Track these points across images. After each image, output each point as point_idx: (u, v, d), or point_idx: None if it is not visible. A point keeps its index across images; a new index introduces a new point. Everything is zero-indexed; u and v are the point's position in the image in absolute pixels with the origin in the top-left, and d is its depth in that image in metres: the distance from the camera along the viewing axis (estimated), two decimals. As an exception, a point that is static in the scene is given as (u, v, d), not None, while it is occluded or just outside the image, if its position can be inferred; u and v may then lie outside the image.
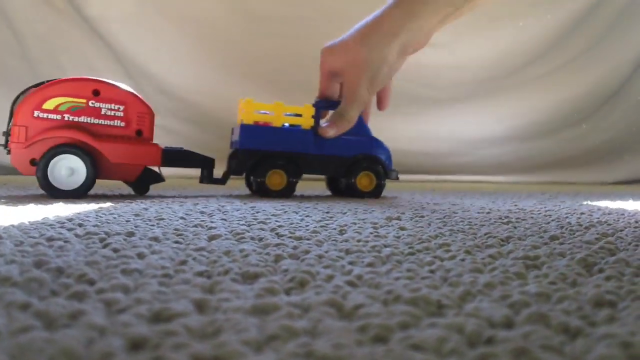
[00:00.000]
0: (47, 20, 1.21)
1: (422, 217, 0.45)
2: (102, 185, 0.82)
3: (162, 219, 0.39)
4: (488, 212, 0.51)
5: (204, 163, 0.65)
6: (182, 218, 0.40)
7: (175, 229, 0.34)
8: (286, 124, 0.66)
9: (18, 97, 0.58)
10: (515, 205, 0.61)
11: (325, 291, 0.20)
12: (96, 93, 0.57)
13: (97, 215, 0.40)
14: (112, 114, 0.57)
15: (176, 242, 0.30)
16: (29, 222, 0.35)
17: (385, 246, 0.30)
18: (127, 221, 0.37)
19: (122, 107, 0.58)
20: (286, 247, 0.29)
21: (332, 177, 0.72)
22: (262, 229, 0.35)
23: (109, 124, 0.57)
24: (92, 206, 0.47)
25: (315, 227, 0.37)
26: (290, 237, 0.32)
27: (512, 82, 1.49)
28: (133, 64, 1.26)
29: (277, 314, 0.17)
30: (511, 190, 1.06)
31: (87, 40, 1.24)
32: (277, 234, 0.34)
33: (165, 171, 0.64)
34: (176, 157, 0.62)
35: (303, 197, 0.66)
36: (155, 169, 0.62)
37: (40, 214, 0.40)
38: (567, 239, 0.33)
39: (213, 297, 0.19)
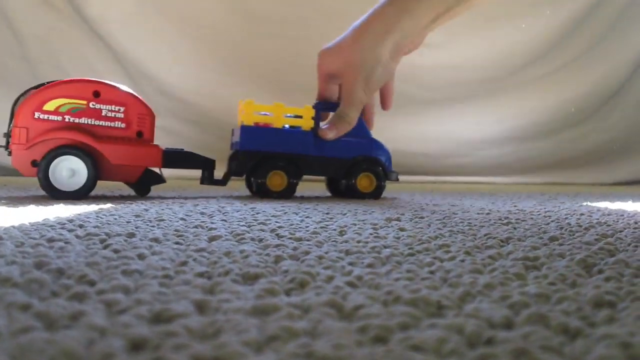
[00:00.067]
0: (46, 20, 1.21)
1: (422, 218, 0.45)
2: (102, 186, 0.83)
3: (163, 220, 0.39)
4: (488, 213, 0.51)
5: (205, 164, 0.65)
6: (182, 219, 0.40)
7: (176, 230, 0.34)
8: (286, 125, 0.66)
9: (18, 98, 0.58)
10: (515, 206, 0.61)
11: (326, 292, 0.20)
12: (97, 94, 0.57)
13: (97, 216, 0.40)
14: (113, 115, 0.57)
15: (177, 243, 0.30)
16: (29, 223, 0.35)
17: (385, 247, 0.30)
18: (127, 222, 0.37)
19: (122, 109, 0.58)
20: (286, 248, 0.29)
21: (332, 179, 0.73)
22: (263, 230, 0.35)
23: (109, 125, 0.57)
24: (92, 207, 0.47)
25: (315, 228, 0.37)
26: (290, 238, 0.32)
27: (512, 82, 1.49)
28: (133, 64, 1.26)
29: (278, 314, 0.17)
30: (511, 191, 1.06)
31: (87, 41, 1.24)
32: (277, 235, 0.34)
33: (165, 172, 0.64)
34: (177, 158, 0.62)
35: (303, 198, 0.66)
36: (156, 170, 0.62)
37: (41, 215, 0.40)
38: (566, 240, 0.33)
39: (213, 297, 0.19)
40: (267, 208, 0.50)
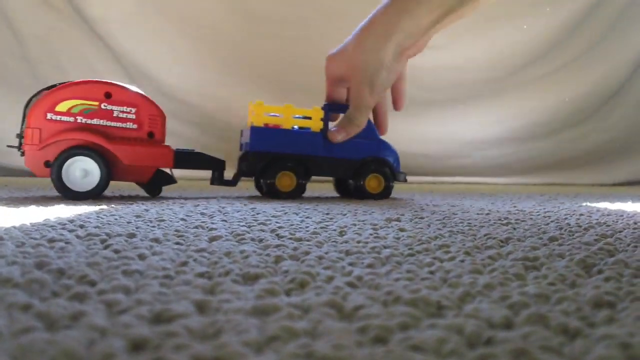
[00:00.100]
0: (46, 20, 1.21)
1: (422, 218, 0.45)
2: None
3: (163, 220, 0.39)
4: (487, 214, 0.51)
5: (215, 165, 0.65)
6: (182, 219, 0.40)
7: (176, 230, 0.34)
8: (295, 127, 0.67)
9: (30, 99, 0.59)
10: (515, 207, 0.61)
11: (326, 292, 0.20)
12: (108, 95, 0.58)
13: (98, 217, 0.40)
14: (124, 116, 0.58)
15: (177, 243, 0.30)
16: (30, 223, 0.35)
17: (385, 247, 0.30)
18: (128, 222, 0.37)
19: (134, 110, 0.58)
20: (286, 248, 0.29)
21: (340, 179, 0.73)
22: (263, 230, 0.35)
23: (121, 126, 0.58)
24: (93, 207, 0.47)
25: (316, 228, 0.37)
26: (290, 239, 0.32)
27: (512, 82, 1.48)
28: (133, 64, 1.26)
29: (278, 315, 0.17)
30: (510, 191, 1.07)
31: (87, 41, 1.24)
32: (277, 235, 0.34)
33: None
34: (188, 158, 0.63)
35: (303, 199, 0.66)
36: (167, 170, 0.63)
37: (42, 216, 0.40)
38: (566, 240, 0.33)
39: (214, 298, 0.19)
40: (267, 208, 0.50)
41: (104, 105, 0.57)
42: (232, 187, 0.67)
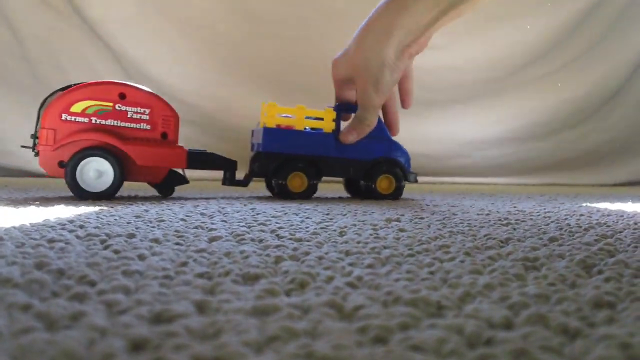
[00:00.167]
0: (46, 20, 1.21)
1: (422, 218, 0.45)
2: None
3: (163, 220, 0.39)
4: (487, 214, 0.51)
5: (227, 165, 0.66)
6: (182, 220, 0.40)
7: (176, 231, 0.34)
8: (307, 128, 0.67)
9: (45, 100, 0.59)
10: (515, 207, 0.61)
11: (326, 292, 0.20)
12: (122, 96, 0.58)
13: (97, 217, 0.40)
14: (138, 117, 0.58)
15: (177, 243, 0.30)
16: (30, 223, 0.35)
17: (385, 248, 0.30)
18: (128, 223, 0.37)
19: (147, 111, 0.59)
20: (286, 248, 0.29)
21: (351, 180, 0.74)
22: (263, 231, 0.35)
23: (135, 127, 0.58)
24: (92, 208, 0.47)
25: (315, 228, 0.37)
26: (290, 239, 0.32)
27: (512, 83, 1.48)
28: (133, 65, 1.26)
29: (278, 315, 0.17)
30: (510, 192, 1.07)
31: (87, 41, 1.24)
32: (277, 235, 0.34)
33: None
34: (200, 159, 0.63)
35: (303, 199, 0.66)
36: (179, 170, 0.63)
37: (41, 216, 0.40)
38: (566, 241, 0.33)
39: (214, 298, 0.19)
40: (267, 209, 0.50)
41: (118, 106, 0.57)
42: (244, 187, 0.67)
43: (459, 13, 0.59)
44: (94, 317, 0.16)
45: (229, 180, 0.66)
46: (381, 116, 0.68)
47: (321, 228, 0.37)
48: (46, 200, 0.54)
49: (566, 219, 0.47)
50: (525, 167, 1.48)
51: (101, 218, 0.39)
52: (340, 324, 0.16)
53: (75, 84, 0.58)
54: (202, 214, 0.45)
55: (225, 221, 0.40)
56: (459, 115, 1.41)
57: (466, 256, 0.28)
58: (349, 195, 0.74)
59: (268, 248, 0.29)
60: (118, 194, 0.66)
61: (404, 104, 0.71)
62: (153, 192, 0.65)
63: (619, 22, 1.53)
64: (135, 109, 0.58)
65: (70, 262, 0.23)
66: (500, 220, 0.45)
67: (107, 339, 0.14)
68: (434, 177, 1.34)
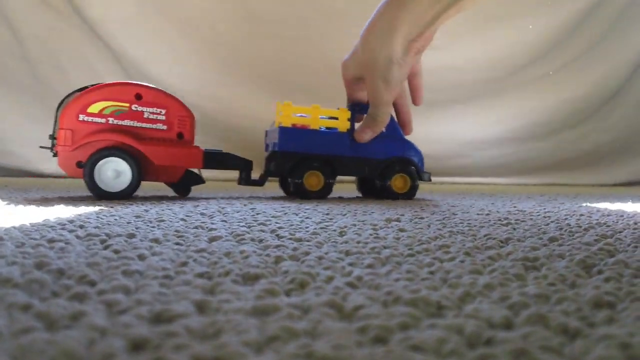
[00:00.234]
0: (46, 20, 1.21)
1: (422, 218, 0.45)
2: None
3: (163, 220, 0.39)
4: (487, 214, 0.51)
5: (243, 165, 0.66)
6: (182, 220, 0.40)
7: (176, 231, 0.34)
8: (322, 127, 0.67)
9: (62, 101, 0.60)
10: (515, 207, 0.61)
11: (325, 292, 0.20)
12: (139, 97, 0.59)
13: (97, 217, 0.40)
14: (154, 117, 0.59)
15: (177, 243, 0.30)
16: (30, 223, 0.35)
17: (385, 248, 0.30)
18: (127, 223, 0.37)
19: (163, 111, 0.59)
20: (286, 248, 0.29)
21: (363, 179, 0.74)
22: (263, 231, 0.35)
23: (151, 127, 0.59)
24: (92, 208, 0.47)
25: (315, 228, 0.37)
26: (290, 239, 0.32)
27: (512, 82, 1.48)
28: (133, 65, 1.26)
29: (278, 315, 0.17)
30: (510, 191, 1.07)
31: (87, 41, 1.24)
32: (277, 235, 0.34)
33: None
34: (216, 159, 0.64)
35: (303, 199, 0.66)
36: (195, 170, 0.64)
37: (41, 216, 0.40)
38: (566, 241, 0.33)
39: (214, 298, 0.19)
40: (267, 209, 0.50)
41: (135, 107, 0.58)
42: (260, 186, 0.68)
43: (461, 8, 0.60)
44: (94, 317, 0.16)
45: (245, 180, 0.66)
46: (394, 115, 0.69)
47: (321, 228, 0.37)
48: (46, 200, 0.54)
49: (566, 219, 0.47)
50: (525, 167, 1.48)
51: (101, 218, 0.39)
52: (340, 324, 0.16)
53: (92, 85, 0.58)
54: (202, 214, 0.45)
55: (225, 221, 0.40)
56: (459, 115, 1.41)
57: (466, 256, 0.28)
58: (359, 195, 0.75)
59: (268, 248, 0.29)
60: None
61: (415, 101, 0.72)
62: (153, 192, 0.65)
63: (619, 22, 1.53)
64: (152, 109, 0.59)
65: (70, 262, 0.23)
66: (500, 220, 0.45)
67: (107, 339, 0.14)
68: (434, 177, 1.34)
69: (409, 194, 0.69)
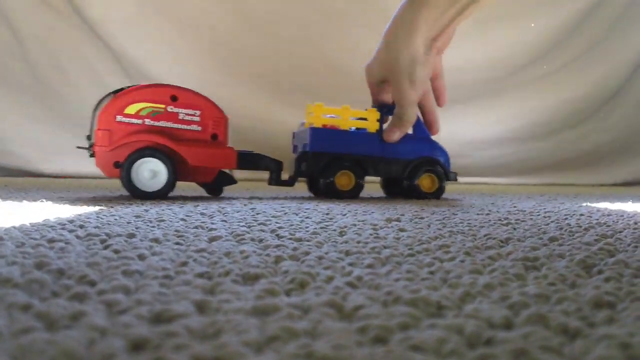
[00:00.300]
0: (46, 20, 1.21)
1: (422, 218, 0.45)
2: (103, 186, 0.83)
3: (163, 220, 0.39)
4: (487, 214, 0.51)
5: (274, 165, 0.66)
6: (182, 219, 0.40)
7: (176, 231, 0.34)
8: (352, 128, 0.68)
9: (99, 102, 0.60)
10: (515, 207, 0.61)
11: (326, 292, 0.20)
12: (174, 98, 0.59)
13: (97, 217, 0.40)
14: (189, 118, 0.60)
15: (177, 243, 0.30)
16: (30, 223, 0.35)
17: (385, 247, 0.30)
18: (128, 222, 0.37)
19: (198, 112, 0.60)
20: (286, 248, 0.29)
21: (388, 179, 0.75)
22: (263, 231, 0.35)
23: (186, 128, 0.60)
24: (93, 208, 0.47)
25: (315, 228, 0.37)
26: (290, 239, 0.32)
27: (512, 82, 1.48)
28: (133, 65, 1.26)
29: (278, 315, 0.17)
30: (510, 191, 1.07)
31: (87, 41, 1.24)
32: (277, 235, 0.34)
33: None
34: (249, 159, 0.65)
35: (303, 199, 0.66)
36: (227, 171, 0.64)
37: (41, 216, 0.40)
38: (566, 241, 0.33)
39: (214, 298, 0.19)
40: (266, 208, 0.50)
41: (170, 108, 0.59)
42: (290, 187, 0.69)
43: (480, 6, 0.60)
44: (94, 317, 0.16)
45: (275, 180, 0.67)
46: (420, 116, 0.70)
47: (321, 228, 0.37)
48: (46, 200, 0.54)
49: (566, 218, 0.47)
50: (525, 167, 1.48)
51: (101, 218, 0.39)
52: (340, 324, 0.16)
53: (128, 86, 0.59)
54: (202, 213, 0.44)
55: (225, 221, 0.40)
56: (459, 115, 1.41)
57: (466, 256, 0.28)
58: (386, 196, 0.76)
59: (268, 248, 0.29)
60: (119, 194, 0.66)
61: (439, 101, 0.73)
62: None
63: (619, 22, 1.53)
64: (187, 110, 0.59)
65: (70, 262, 0.23)
66: (500, 220, 0.45)
67: (107, 339, 0.14)
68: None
69: (437, 194, 0.70)
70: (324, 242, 0.31)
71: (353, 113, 0.68)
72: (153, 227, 0.36)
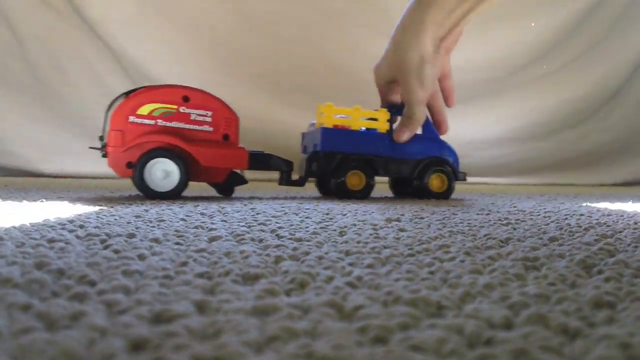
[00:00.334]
0: (46, 20, 1.21)
1: (422, 218, 0.45)
2: (103, 186, 0.83)
3: (163, 220, 0.39)
4: (487, 214, 0.51)
5: (285, 165, 0.67)
6: (182, 219, 0.40)
7: (176, 231, 0.34)
8: (362, 128, 0.69)
9: (112, 103, 0.61)
10: (515, 207, 0.61)
11: (326, 292, 0.20)
12: (186, 99, 0.60)
13: (97, 217, 0.40)
14: (201, 119, 0.60)
15: (177, 243, 0.30)
16: (30, 223, 0.35)
17: (385, 247, 0.30)
18: (127, 222, 0.37)
19: (210, 113, 0.60)
20: (286, 248, 0.29)
21: (396, 179, 0.76)
22: (263, 231, 0.35)
23: (198, 129, 0.60)
24: (93, 208, 0.47)
25: (315, 228, 0.37)
26: (290, 239, 0.32)
27: (512, 82, 1.48)
28: (133, 65, 1.26)
29: (278, 315, 0.17)
30: (510, 191, 1.07)
31: (87, 41, 1.24)
32: (277, 235, 0.34)
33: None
34: (260, 160, 0.65)
35: (303, 199, 0.66)
36: (238, 171, 0.65)
37: (41, 216, 0.40)
38: (566, 241, 0.33)
39: (214, 298, 0.19)
40: (266, 208, 0.50)
41: (182, 109, 0.59)
42: (300, 187, 0.69)
43: (488, 5, 0.61)
44: (94, 317, 0.16)
45: (286, 180, 0.67)
46: (428, 116, 0.70)
47: (321, 228, 0.37)
48: (46, 200, 0.54)
49: (566, 218, 0.47)
50: (525, 167, 1.48)
51: (101, 218, 0.39)
52: (340, 324, 0.16)
53: (141, 87, 0.60)
54: (202, 213, 0.44)
55: (225, 221, 0.40)
56: (459, 115, 1.41)
57: (466, 256, 0.28)
58: (393, 195, 0.76)
59: (268, 248, 0.29)
60: (119, 194, 0.66)
61: (448, 102, 0.73)
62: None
63: (619, 22, 1.53)
64: (198, 111, 0.60)
65: (70, 262, 0.23)
66: (500, 220, 0.45)
67: (107, 339, 0.14)
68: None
69: (446, 194, 0.70)
70: (324, 242, 0.31)
71: (364, 113, 0.68)
72: (153, 227, 0.36)
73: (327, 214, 0.47)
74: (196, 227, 0.36)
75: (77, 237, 0.30)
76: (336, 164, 0.66)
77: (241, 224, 0.38)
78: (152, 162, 0.57)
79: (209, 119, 0.60)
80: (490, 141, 1.47)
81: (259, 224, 0.38)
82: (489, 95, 1.46)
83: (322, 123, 0.66)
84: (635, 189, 1.31)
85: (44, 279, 0.20)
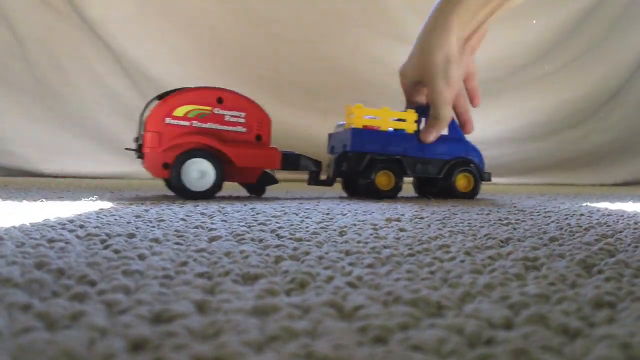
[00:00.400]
0: (46, 21, 1.21)
1: (422, 218, 0.45)
2: (103, 186, 0.83)
3: (163, 220, 0.39)
4: (487, 214, 0.51)
5: (314, 165, 0.68)
6: (182, 219, 0.40)
7: (176, 230, 0.34)
8: (391, 129, 0.69)
9: (147, 106, 0.62)
10: (515, 207, 0.61)
11: (326, 292, 0.20)
12: (220, 101, 0.60)
13: (98, 217, 0.40)
14: (235, 120, 0.61)
15: (177, 243, 0.30)
16: (30, 223, 0.35)
17: (385, 247, 0.30)
18: (128, 222, 0.37)
19: (243, 114, 0.61)
20: (286, 248, 0.29)
21: (421, 179, 0.77)
22: (263, 231, 0.35)
23: (232, 130, 0.61)
24: (93, 207, 0.47)
25: (315, 228, 0.37)
26: (290, 239, 0.32)
27: (512, 82, 1.48)
28: (133, 65, 1.26)
29: (278, 314, 0.17)
30: (510, 191, 1.07)
31: (87, 41, 1.24)
32: (277, 235, 0.34)
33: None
34: (292, 160, 0.66)
35: (303, 199, 0.66)
36: (269, 171, 0.66)
37: (41, 216, 0.40)
38: (566, 240, 0.33)
39: (214, 298, 0.19)
40: (266, 208, 0.50)
41: (217, 110, 0.60)
42: (329, 186, 0.70)
43: (512, 4, 0.61)
44: (94, 317, 0.16)
45: (314, 179, 0.68)
46: (454, 117, 0.71)
47: (321, 228, 0.37)
48: (46, 200, 0.54)
49: (566, 218, 0.47)
50: (525, 167, 1.48)
51: (101, 218, 0.39)
52: (340, 323, 0.16)
53: (175, 90, 0.61)
54: (202, 213, 0.44)
55: (225, 221, 0.40)
56: (459, 116, 1.41)
57: (466, 256, 0.28)
58: (418, 196, 0.77)
59: (268, 248, 0.29)
60: (119, 194, 0.66)
61: (473, 101, 0.74)
62: (152, 191, 0.65)
63: (619, 22, 1.53)
64: (232, 112, 0.61)
65: (70, 261, 0.23)
66: (500, 220, 0.45)
67: (107, 339, 0.14)
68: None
69: (472, 194, 0.71)
70: (324, 242, 0.31)
71: (392, 114, 0.69)
72: (153, 227, 0.36)
73: (327, 214, 0.47)
74: (196, 227, 0.36)
75: (77, 237, 0.30)
76: (366, 164, 0.67)
77: (241, 224, 0.38)
78: (188, 162, 0.58)
79: (242, 120, 0.61)
80: (490, 141, 1.47)
81: (259, 224, 0.38)
82: (489, 95, 1.46)
83: (352, 124, 0.67)
84: (635, 189, 1.31)
85: (44, 278, 0.20)
